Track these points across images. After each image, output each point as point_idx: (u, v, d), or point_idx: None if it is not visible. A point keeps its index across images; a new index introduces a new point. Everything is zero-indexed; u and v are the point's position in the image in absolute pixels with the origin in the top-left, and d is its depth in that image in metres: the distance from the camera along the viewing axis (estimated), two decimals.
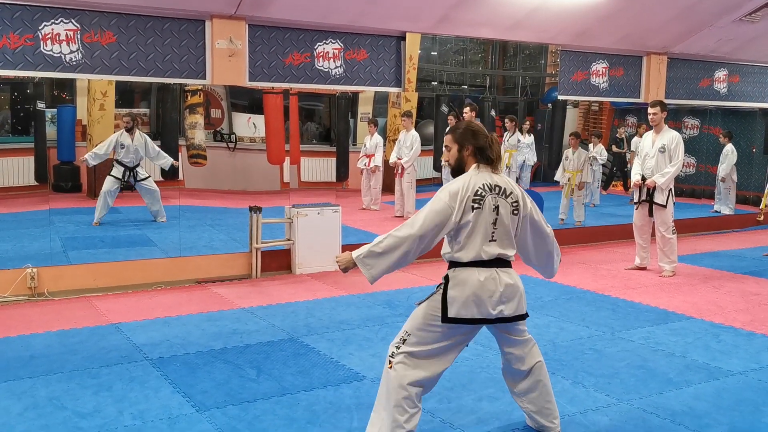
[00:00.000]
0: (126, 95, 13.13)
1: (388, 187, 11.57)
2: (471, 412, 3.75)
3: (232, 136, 13.37)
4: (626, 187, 13.54)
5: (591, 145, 12.10)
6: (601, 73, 9.11)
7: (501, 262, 3.14)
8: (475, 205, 3.06)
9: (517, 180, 11.61)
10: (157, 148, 9.01)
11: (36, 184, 10.54)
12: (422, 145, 12.40)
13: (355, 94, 13.87)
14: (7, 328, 5.07)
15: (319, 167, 12.83)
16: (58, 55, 5.67)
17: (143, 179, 8.81)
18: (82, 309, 5.61)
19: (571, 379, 4.24)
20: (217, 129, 13.13)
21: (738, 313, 5.77)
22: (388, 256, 3.07)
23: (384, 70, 7.39)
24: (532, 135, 13.55)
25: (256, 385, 4.07)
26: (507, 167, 11.53)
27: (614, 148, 13.86)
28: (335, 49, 7.02)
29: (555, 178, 10.32)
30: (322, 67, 6.98)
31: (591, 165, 10.97)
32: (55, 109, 11.74)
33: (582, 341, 4.99)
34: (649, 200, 7.10)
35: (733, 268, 7.59)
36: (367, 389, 4.03)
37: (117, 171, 8.66)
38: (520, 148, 12.02)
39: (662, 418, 3.70)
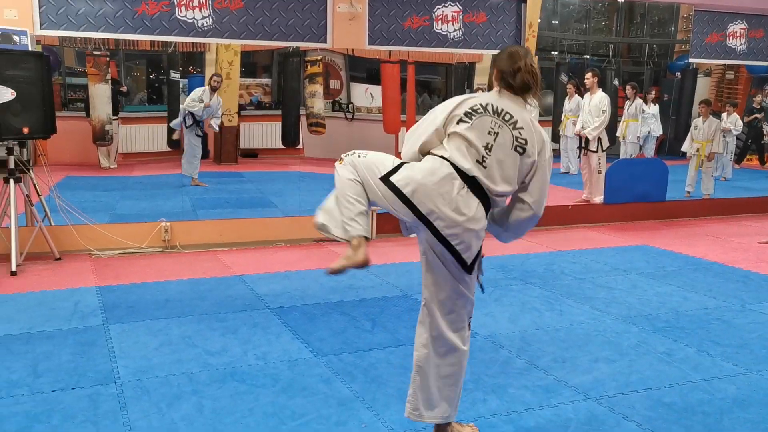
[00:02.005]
0: (249, 66, 13.68)
1: None
2: (586, 371, 3.68)
3: (350, 106, 13.64)
4: (762, 161, 12.62)
5: (724, 115, 11.36)
6: (738, 34, 8.48)
7: (477, 187, 2.62)
8: (464, 119, 2.64)
9: (640, 149, 11.11)
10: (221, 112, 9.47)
11: (169, 150, 11.23)
12: (541, 115, 12.11)
13: (472, 65, 13.72)
14: (145, 274, 5.48)
15: None
16: (191, 20, 5.98)
17: (199, 136, 9.15)
18: (210, 261, 5.95)
19: (695, 347, 4.06)
20: (336, 99, 13.44)
21: None
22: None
23: (503, 33, 7.25)
24: (657, 105, 12.88)
25: (371, 336, 4.18)
26: (623, 138, 11.05)
27: (757, 117, 12.90)
28: (454, 12, 6.96)
29: (682, 149, 9.76)
30: (440, 31, 6.94)
31: (723, 136, 10.29)
32: (186, 80, 12.41)
33: (708, 311, 4.75)
34: None
35: None
36: (479, 345, 4.04)
37: (196, 128, 9.11)
38: (644, 118, 11.46)
39: None
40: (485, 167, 2.62)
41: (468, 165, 2.61)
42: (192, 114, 9.27)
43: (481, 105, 2.67)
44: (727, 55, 8.54)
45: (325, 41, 6.43)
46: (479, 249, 2.72)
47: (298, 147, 12.04)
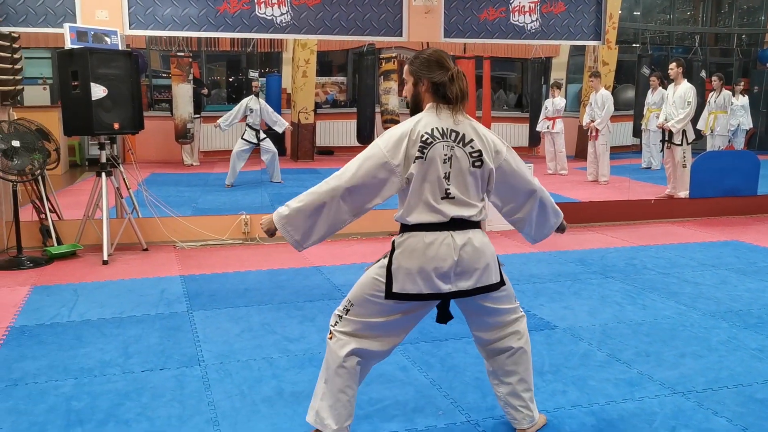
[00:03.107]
0: (325, 65, 13.90)
1: (581, 153, 11.14)
2: (672, 367, 3.55)
3: None
4: None
5: None
6: None
7: (459, 224, 2.51)
8: (418, 155, 2.45)
9: (729, 142, 10.64)
10: (274, 113, 9.49)
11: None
12: (621, 109, 11.75)
13: (549, 59, 13.49)
14: (226, 265, 5.64)
15: (511, 133, 12.68)
16: (270, 17, 6.10)
17: (263, 139, 9.22)
18: (287, 253, 6.07)
19: None
20: None
21: None
22: (310, 215, 2.53)
23: (582, 23, 7.07)
24: (746, 97, 12.28)
25: (447, 326, 4.08)
26: (711, 130, 10.59)
27: None
28: (531, 2, 6.83)
29: None
30: (517, 22, 6.83)
31: None
32: (264, 79, 12.70)
33: None
34: None
35: None
36: (558, 337, 3.96)
37: (249, 134, 9.16)
38: (733, 110, 10.95)
39: None
40: (452, 197, 2.50)
41: (434, 218, 2.49)
42: (251, 127, 9.36)
43: (428, 134, 2.48)
44: None
45: (401, 35, 6.44)
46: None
47: None
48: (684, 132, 8.16)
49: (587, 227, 7.21)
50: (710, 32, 15.49)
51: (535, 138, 11.70)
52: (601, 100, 9.55)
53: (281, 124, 9.53)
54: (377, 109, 11.98)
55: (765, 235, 6.84)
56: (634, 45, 14.46)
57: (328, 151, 12.61)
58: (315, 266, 5.59)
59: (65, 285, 5.01)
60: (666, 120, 8.26)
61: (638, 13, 15.25)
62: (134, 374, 3.43)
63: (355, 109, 12.75)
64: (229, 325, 4.19)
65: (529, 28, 6.91)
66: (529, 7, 6.83)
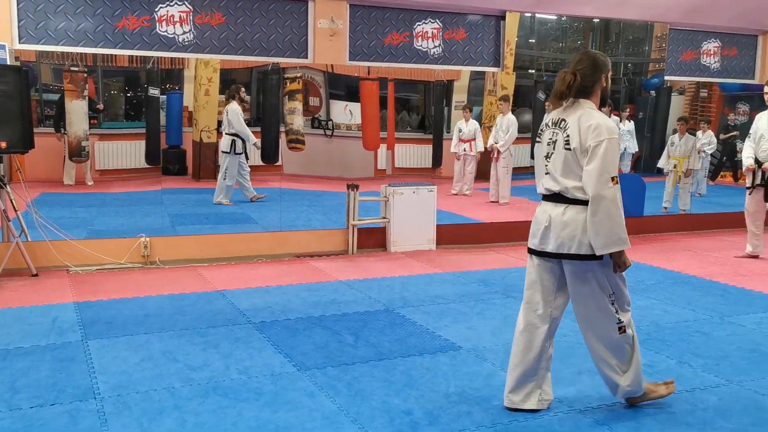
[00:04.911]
0: (228, 83, 13.63)
1: (482, 174, 11.47)
2: (570, 384, 3.69)
3: (330, 123, 13.65)
4: (736, 177, 12.83)
5: (699, 133, 11.54)
6: (712, 52, 8.68)
7: (557, 197, 3.14)
8: (538, 140, 3.22)
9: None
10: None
11: (147, 166, 11.13)
12: (519, 132, 12.21)
13: (450, 82, 13.82)
14: (124, 290, 5.41)
15: (414, 154, 12.87)
16: (172, 35, 5.97)
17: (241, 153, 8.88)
18: (190, 276, 5.90)
19: (676, 359, 4.10)
20: (315, 116, 13.44)
21: None
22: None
23: (483, 49, 7.34)
24: (632, 122, 13.04)
25: (354, 350, 4.16)
26: None
27: (734, 134, 13.09)
28: (434, 28, 7.03)
29: (658, 165, 9.91)
30: (420, 47, 7.00)
31: (699, 153, 10.46)
32: (164, 96, 12.34)
33: (688, 324, 4.80)
34: (765, 185, 6.72)
35: None
36: (463, 358, 4.04)
37: (240, 145, 8.74)
38: (621, 135, 11.59)
39: None
40: (548, 173, 3.14)
41: (542, 190, 3.20)
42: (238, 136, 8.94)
43: (546, 123, 3.18)
44: (701, 72, 8.73)
45: (306, 57, 6.47)
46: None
47: (277, 164, 12.03)
48: None
49: (489, 247, 7.43)
50: None
51: (437, 159, 11.95)
52: (506, 124, 9.90)
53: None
54: (282, 129, 11.89)
55: (651, 254, 7.28)
56: (530, 71, 15.06)
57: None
58: (218, 290, 5.45)
59: None
60: None
61: (533, 41, 15.90)
62: (22, 411, 3.22)
63: (259, 128, 12.59)
64: (127, 354, 4.02)
65: (432, 53, 7.10)
66: (432, 33, 7.02)
